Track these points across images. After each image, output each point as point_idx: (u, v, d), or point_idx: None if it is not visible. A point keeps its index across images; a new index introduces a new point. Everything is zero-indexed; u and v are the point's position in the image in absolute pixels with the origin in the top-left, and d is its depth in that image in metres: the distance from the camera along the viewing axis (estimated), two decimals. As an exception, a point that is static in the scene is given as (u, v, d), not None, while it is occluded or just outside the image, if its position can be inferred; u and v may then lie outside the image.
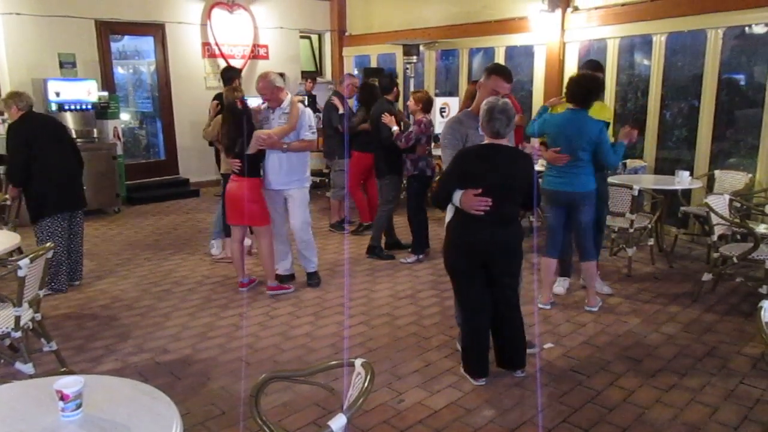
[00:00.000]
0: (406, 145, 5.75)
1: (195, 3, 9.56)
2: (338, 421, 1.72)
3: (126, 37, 9.67)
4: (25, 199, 5.16)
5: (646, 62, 7.28)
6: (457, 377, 3.68)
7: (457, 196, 3.38)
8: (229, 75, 6.30)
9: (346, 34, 11.27)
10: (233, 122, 4.85)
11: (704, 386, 3.58)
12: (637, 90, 7.46)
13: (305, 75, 10.99)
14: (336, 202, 7.24)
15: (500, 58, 8.70)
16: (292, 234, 5.28)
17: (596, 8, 7.51)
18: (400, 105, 7.19)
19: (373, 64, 10.75)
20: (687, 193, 6.39)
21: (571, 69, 7.53)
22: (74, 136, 7.67)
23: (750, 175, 6.12)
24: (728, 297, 5.02)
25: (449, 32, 9.32)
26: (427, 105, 5.94)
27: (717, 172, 6.34)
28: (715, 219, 4.69)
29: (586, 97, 4.42)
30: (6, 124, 5.49)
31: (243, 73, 7.90)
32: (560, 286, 5.08)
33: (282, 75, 6.09)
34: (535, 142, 5.14)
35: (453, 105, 8.10)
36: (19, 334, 3.36)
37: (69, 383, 1.81)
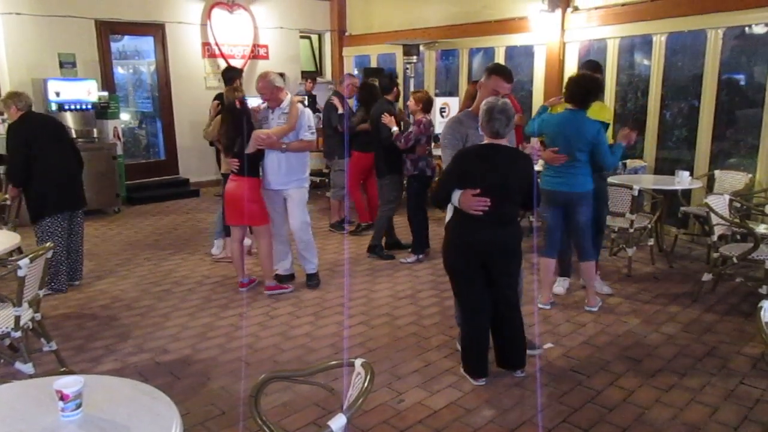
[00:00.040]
0: (405, 146, 5.75)
1: (195, 3, 9.56)
2: (338, 421, 1.72)
3: (126, 37, 9.67)
4: (25, 199, 5.16)
5: (646, 62, 7.28)
6: (457, 377, 3.68)
7: (456, 196, 3.38)
8: (231, 75, 6.29)
9: (346, 34, 11.26)
10: (232, 122, 4.87)
11: (704, 386, 3.58)
12: (637, 90, 7.45)
13: (305, 75, 10.99)
14: (336, 202, 7.24)
15: (500, 58, 8.69)
16: (292, 234, 5.28)
17: (596, 8, 7.51)
18: (400, 105, 7.18)
19: (373, 64, 10.74)
20: (687, 193, 6.38)
21: (571, 69, 7.52)
22: (74, 136, 7.68)
23: (750, 175, 6.12)
24: (728, 297, 5.02)
25: (449, 32, 9.32)
26: (427, 105, 5.94)
27: (717, 172, 6.34)
28: (715, 219, 4.69)
29: (585, 97, 4.42)
30: (6, 124, 5.49)
31: (243, 73, 7.89)
32: (560, 286, 5.09)
33: (282, 75, 6.10)
34: (535, 141, 5.14)
35: (453, 105, 8.09)
36: (18, 334, 3.36)
37: (69, 383, 1.81)
